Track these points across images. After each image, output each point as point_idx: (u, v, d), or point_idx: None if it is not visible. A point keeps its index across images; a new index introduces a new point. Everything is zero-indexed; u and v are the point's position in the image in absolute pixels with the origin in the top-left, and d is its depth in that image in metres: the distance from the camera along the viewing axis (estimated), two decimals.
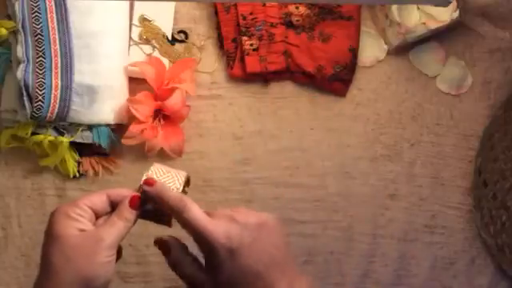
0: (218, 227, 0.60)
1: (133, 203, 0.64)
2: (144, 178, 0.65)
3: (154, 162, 0.68)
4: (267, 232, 0.62)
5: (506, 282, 0.84)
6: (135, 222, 0.65)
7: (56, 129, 0.79)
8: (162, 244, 0.66)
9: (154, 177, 0.66)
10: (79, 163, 0.82)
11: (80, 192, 0.83)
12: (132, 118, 0.79)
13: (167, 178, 0.66)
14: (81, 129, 0.79)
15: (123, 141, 0.80)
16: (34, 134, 0.78)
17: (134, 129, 0.79)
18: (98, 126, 0.80)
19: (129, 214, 0.64)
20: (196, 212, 0.62)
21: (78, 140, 0.80)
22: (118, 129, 0.81)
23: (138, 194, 0.65)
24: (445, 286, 0.84)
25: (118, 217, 0.63)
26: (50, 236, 0.62)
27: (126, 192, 0.65)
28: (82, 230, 0.61)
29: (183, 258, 0.64)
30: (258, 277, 0.60)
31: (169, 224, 0.66)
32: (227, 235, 0.60)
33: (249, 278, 0.60)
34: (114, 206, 0.64)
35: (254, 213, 0.63)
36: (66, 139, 0.79)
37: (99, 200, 0.63)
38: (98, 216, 0.63)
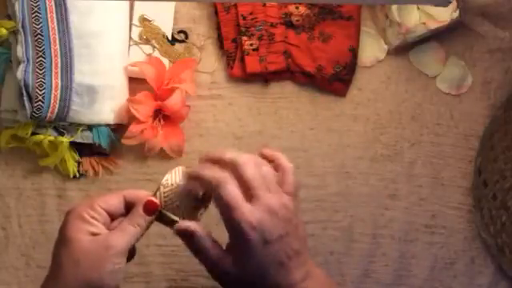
0: (253, 215, 0.60)
1: (147, 209, 0.63)
2: (164, 180, 0.64)
3: (180, 167, 0.66)
4: (295, 225, 0.62)
5: (506, 282, 0.84)
6: (149, 226, 0.64)
7: (56, 129, 0.79)
8: (183, 231, 0.64)
9: (172, 178, 0.64)
10: (79, 163, 0.82)
11: (80, 192, 0.83)
12: (132, 118, 0.79)
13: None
14: (81, 129, 0.79)
15: (123, 141, 0.80)
16: (33, 133, 0.78)
17: (133, 129, 0.79)
18: (98, 125, 0.80)
19: (141, 219, 0.63)
20: (232, 190, 0.60)
21: (78, 140, 0.80)
22: (118, 129, 0.81)
23: (153, 198, 0.63)
24: (445, 286, 0.84)
25: (129, 222, 0.62)
26: (63, 237, 0.61)
27: (142, 194, 0.64)
28: (94, 234, 0.60)
29: (206, 243, 0.63)
30: (282, 265, 0.61)
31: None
32: (261, 227, 0.60)
33: (274, 266, 0.61)
34: (129, 207, 0.64)
35: (286, 202, 0.62)
36: (66, 139, 0.79)
37: (115, 202, 0.63)
38: (113, 218, 0.63)
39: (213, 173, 0.61)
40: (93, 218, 0.61)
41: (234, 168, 0.61)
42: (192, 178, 0.64)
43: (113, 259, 0.60)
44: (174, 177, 0.65)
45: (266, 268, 0.61)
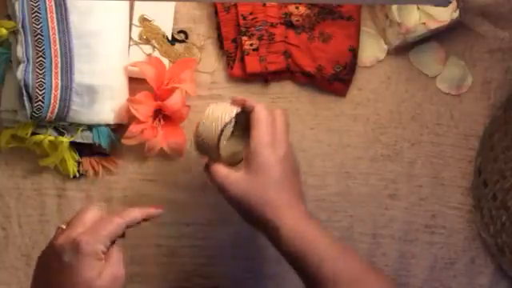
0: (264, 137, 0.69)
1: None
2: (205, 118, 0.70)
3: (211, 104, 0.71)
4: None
5: (506, 282, 0.84)
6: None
7: (56, 129, 0.79)
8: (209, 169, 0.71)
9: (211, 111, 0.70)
10: (79, 163, 0.82)
11: (80, 192, 0.83)
12: (132, 118, 0.79)
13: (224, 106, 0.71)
14: (81, 129, 0.79)
15: (123, 141, 0.80)
16: (33, 133, 0.78)
17: (133, 129, 0.79)
18: (98, 125, 0.80)
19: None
20: (260, 108, 0.70)
21: (78, 140, 0.80)
22: (118, 129, 0.82)
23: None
24: (445, 286, 0.84)
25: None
26: (74, 273, 0.62)
27: (138, 214, 0.67)
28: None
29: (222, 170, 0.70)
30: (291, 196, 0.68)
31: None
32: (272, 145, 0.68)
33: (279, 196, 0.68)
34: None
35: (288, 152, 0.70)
36: (66, 139, 0.79)
37: (119, 230, 0.65)
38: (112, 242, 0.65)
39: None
40: (103, 252, 0.63)
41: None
42: (235, 101, 0.71)
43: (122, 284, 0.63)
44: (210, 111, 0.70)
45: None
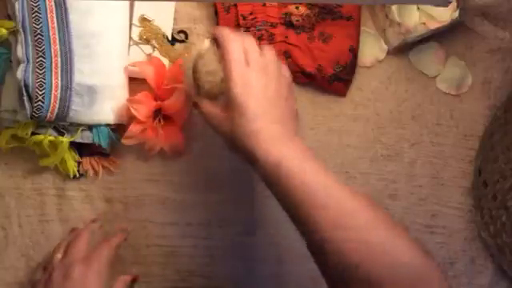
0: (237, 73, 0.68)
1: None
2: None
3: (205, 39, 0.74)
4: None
5: (506, 282, 0.84)
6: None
7: (56, 129, 0.79)
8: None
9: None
10: (79, 163, 0.82)
11: (80, 192, 0.83)
12: (132, 118, 0.79)
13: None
14: (81, 129, 0.79)
15: (123, 141, 0.80)
16: (33, 133, 0.78)
17: (133, 129, 0.79)
18: (98, 125, 0.80)
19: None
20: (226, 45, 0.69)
21: (78, 140, 0.80)
22: (118, 129, 0.81)
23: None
24: None
25: None
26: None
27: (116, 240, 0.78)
28: None
29: (207, 105, 0.72)
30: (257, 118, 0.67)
31: None
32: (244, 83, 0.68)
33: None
34: None
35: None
36: (66, 139, 0.79)
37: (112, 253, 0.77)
38: None
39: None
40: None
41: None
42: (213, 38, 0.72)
43: None
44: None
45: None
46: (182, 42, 0.84)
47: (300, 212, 0.63)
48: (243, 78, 0.68)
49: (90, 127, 0.80)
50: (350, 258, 0.59)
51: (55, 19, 0.76)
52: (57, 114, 0.77)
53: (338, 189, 0.63)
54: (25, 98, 0.75)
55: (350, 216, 0.61)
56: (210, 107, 0.72)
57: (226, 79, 0.69)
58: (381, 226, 0.61)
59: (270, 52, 0.72)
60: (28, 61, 0.75)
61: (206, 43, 0.73)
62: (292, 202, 0.63)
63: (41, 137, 0.78)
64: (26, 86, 0.75)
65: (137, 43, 0.82)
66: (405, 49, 0.85)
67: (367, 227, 0.61)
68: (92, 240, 0.79)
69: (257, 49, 0.71)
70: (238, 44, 0.70)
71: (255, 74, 0.69)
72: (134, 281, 0.81)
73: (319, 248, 0.61)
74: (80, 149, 0.82)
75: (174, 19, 0.83)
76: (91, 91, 0.78)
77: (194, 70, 0.74)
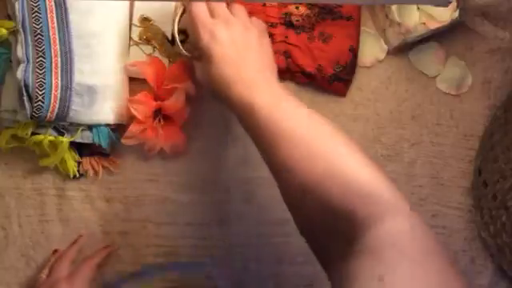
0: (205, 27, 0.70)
1: None
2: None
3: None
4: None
5: (506, 282, 0.84)
6: None
7: (56, 129, 0.79)
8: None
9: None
10: (79, 163, 0.82)
11: (80, 192, 0.83)
12: (132, 118, 0.79)
13: None
14: (81, 129, 0.79)
15: (123, 141, 0.80)
16: (33, 133, 0.78)
17: (133, 129, 0.79)
18: (98, 125, 0.80)
19: None
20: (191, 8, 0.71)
21: (78, 140, 0.80)
22: (118, 129, 0.82)
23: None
24: None
25: None
26: None
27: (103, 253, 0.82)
28: None
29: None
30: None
31: None
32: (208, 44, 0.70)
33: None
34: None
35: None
36: (66, 139, 0.79)
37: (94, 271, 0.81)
38: None
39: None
40: None
41: None
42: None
43: None
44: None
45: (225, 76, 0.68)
46: (182, 42, 0.84)
47: (272, 151, 0.63)
48: (209, 29, 0.70)
49: (89, 127, 0.80)
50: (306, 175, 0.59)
51: (55, 19, 0.76)
52: (57, 114, 0.77)
53: (309, 128, 0.63)
54: (25, 98, 0.75)
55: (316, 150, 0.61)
56: (194, 62, 0.75)
57: (193, 32, 0.72)
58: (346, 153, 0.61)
59: (238, 6, 0.74)
60: (28, 61, 0.75)
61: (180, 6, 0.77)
62: (264, 142, 0.64)
63: (41, 137, 0.78)
64: (26, 86, 0.75)
65: (137, 43, 0.82)
66: (405, 49, 0.85)
67: (332, 152, 0.61)
68: (76, 259, 0.82)
69: (223, 4, 0.73)
70: (202, 2, 0.72)
71: (221, 25, 0.70)
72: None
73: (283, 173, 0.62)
74: (80, 149, 0.82)
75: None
76: (91, 91, 0.78)
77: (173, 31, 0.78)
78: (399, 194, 0.57)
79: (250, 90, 0.67)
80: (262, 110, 0.64)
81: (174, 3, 0.83)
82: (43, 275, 0.80)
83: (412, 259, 0.51)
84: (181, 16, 0.78)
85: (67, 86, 0.77)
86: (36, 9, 0.76)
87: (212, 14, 0.71)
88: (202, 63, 0.71)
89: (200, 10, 0.71)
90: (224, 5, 0.73)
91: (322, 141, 0.62)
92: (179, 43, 0.78)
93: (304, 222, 0.62)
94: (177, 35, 0.78)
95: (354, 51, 0.83)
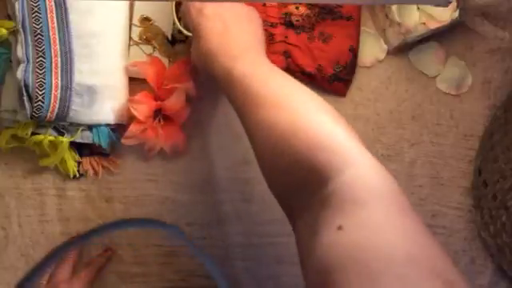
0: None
1: None
2: None
3: None
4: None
5: (506, 282, 0.84)
6: None
7: (56, 129, 0.79)
8: None
9: None
10: (79, 163, 0.82)
11: (80, 192, 0.83)
12: (132, 118, 0.79)
13: None
14: (81, 129, 0.79)
15: (123, 141, 0.80)
16: (33, 133, 0.78)
17: (133, 129, 0.79)
18: (98, 125, 0.80)
19: None
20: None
21: (78, 140, 0.80)
22: (118, 129, 0.82)
23: None
24: None
25: None
26: None
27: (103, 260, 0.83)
28: None
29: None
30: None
31: None
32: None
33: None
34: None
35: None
36: (66, 139, 0.79)
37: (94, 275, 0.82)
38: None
39: None
40: None
41: None
42: None
43: None
44: None
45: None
46: (182, 41, 0.84)
47: (248, 115, 0.65)
48: (197, 6, 0.72)
49: (89, 127, 0.80)
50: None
51: (55, 19, 0.76)
52: (57, 114, 0.77)
53: (281, 89, 0.65)
54: (25, 98, 0.75)
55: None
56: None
57: (184, 12, 0.74)
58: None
59: None
60: (28, 61, 0.75)
61: None
62: (241, 107, 0.66)
63: (41, 137, 0.78)
64: (26, 86, 0.75)
65: (137, 43, 0.82)
66: (405, 49, 0.85)
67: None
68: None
69: None
70: None
71: (209, 4, 0.72)
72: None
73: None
74: (80, 149, 0.82)
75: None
76: (91, 91, 0.78)
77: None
78: (360, 145, 0.58)
79: (233, 61, 0.68)
80: (239, 77, 0.66)
81: (173, 3, 0.83)
82: (43, 281, 0.80)
83: (370, 207, 0.51)
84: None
85: (67, 86, 0.77)
86: (36, 9, 0.76)
87: None
88: (193, 41, 0.73)
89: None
90: None
91: (291, 97, 0.64)
92: (177, 21, 0.80)
93: (272, 176, 0.63)
94: (176, 17, 0.79)
95: (354, 51, 0.83)
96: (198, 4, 0.72)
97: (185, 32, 0.79)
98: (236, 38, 0.71)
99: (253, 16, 0.74)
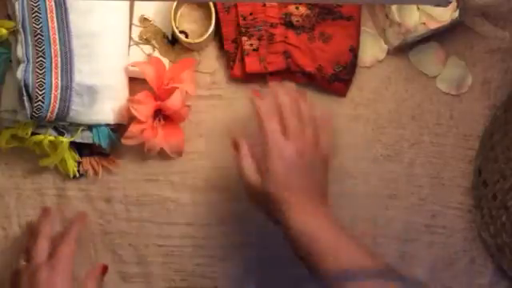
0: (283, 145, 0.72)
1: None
2: None
3: None
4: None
5: (506, 282, 0.84)
6: None
7: (56, 129, 0.79)
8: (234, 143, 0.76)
9: None
10: (79, 163, 0.82)
11: (80, 192, 0.83)
12: (132, 118, 0.79)
13: None
14: (81, 129, 0.79)
15: (123, 141, 0.80)
16: (33, 133, 0.78)
17: (133, 129, 0.79)
18: (98, 125, 0.80)
19: None
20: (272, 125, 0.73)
21: (78, 140, 0.80)
22: (118, 129, 0.82)
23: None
24: (445, 286, 0.84)
25: None
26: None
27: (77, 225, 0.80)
28: None
29: (246, 158, 0.74)
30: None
31: None
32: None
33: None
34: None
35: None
36: (66, 139, 0.79)
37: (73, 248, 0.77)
38: None
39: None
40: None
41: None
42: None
43: None
44: None
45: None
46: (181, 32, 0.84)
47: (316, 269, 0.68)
48: (279, 148, 0.71)
49: (89, 127, 0.80)
50: None
51: (55, 19, 0.76)
52: (57, 114, 0.77)
53: (351, 255, 0.68)
54: (25, 98, 0.75)
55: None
56: (247, 156, 0.74)
57: (263, 147, 0.72)
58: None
59: (306, 106, 0.75)
60: (28, 61, 0.75)
61: None
62: (310, 261, 0.69)
63: (41, 137, 0.78)
64: (26, 86, 0.75)
65: (137, 43, 0.82)
66: (405, 49, 0.85)
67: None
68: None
69: (294, 111, 0.73)
70: (275, 117, 0.73)
71: (291, 145, 0.72)
72: (103, 272, 0.80)
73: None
74: (80, 149, 0.82)
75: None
76: (91, 91, 0.78)
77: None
78: None
79: (301, 215, 0.69)
80: (309, 235, 0.69)
81: (173, 3, 0.83)
82: (22, 261, 0.77)
83: None
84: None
85: (67, 86, 0.77)
86: (36, 9, 0.76)
87: (284, 126, 0.73)
88: (261, 172, 0.72)
89: (273, 126, 0.72)
90: (296, 109, 0.73)
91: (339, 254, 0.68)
92: (178, 33, 0.79)
93: None
94: (175, 28, 0.79)
95: (354, 51, 0.83)
96: (281, 149, 0.71)
97: (182, 39, 0.78)
98: (306, 190, 0.72)
99: (324, 161, 0.75)
